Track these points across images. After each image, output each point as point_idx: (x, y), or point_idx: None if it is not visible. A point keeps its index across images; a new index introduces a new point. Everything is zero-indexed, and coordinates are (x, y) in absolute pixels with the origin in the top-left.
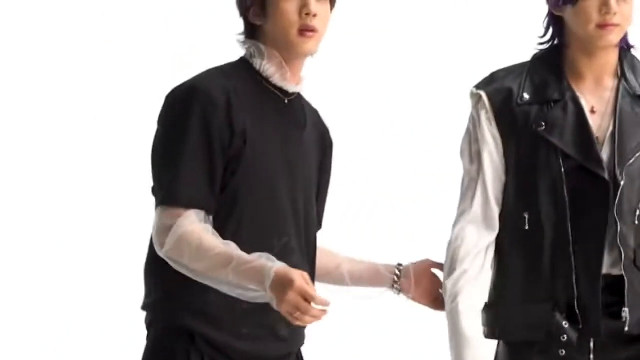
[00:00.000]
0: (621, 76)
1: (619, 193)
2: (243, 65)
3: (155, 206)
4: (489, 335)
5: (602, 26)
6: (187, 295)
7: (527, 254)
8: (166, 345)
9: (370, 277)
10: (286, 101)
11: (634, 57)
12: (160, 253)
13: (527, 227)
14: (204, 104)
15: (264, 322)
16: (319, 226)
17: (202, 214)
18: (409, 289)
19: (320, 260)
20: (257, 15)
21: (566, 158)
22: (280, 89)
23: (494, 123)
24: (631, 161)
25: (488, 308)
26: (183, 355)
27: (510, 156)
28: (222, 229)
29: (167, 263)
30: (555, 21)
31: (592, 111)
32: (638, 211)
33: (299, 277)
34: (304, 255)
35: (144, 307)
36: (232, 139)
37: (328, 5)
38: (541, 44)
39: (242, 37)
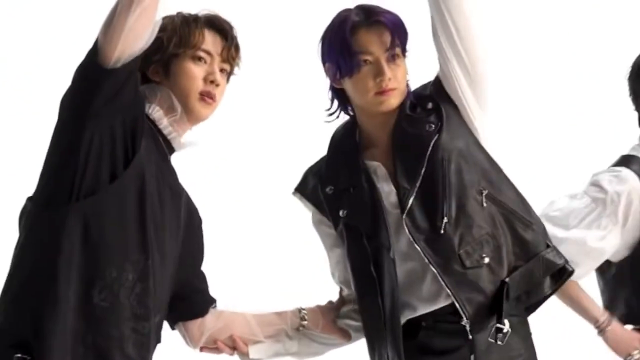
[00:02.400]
0: (404, 115)
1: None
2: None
3: None
4: None
5: (380, 93)
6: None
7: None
8: None
9: (276, 319)
10: (169, 157)
11: (409, 94)
12: None
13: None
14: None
15: None
16: (213, 301)
17: None
18: (316, 324)
19: (234, 322)
20: (157, 73)
21: (369, 238)
22: (165, 138)
23: (321, 217)
24: (408, 206)
25: None
26: None
27: (342, 241)
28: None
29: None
30: (338, 94)
31: (395, 174)
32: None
33: None
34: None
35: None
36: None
37: (226, 80)
38: (329, 115)
39: None
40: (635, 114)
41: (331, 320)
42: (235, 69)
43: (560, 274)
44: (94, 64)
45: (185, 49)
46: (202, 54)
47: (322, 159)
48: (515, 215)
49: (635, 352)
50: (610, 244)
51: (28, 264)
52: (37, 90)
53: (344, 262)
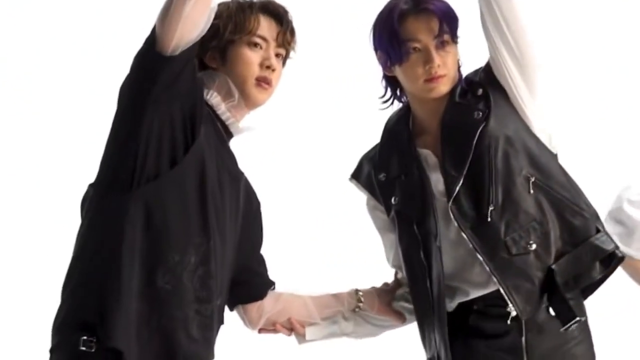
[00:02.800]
0: (454, 101)
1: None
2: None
3: None
4: None
5: (429, 80)
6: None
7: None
8: None
9: (333, 301)
10: (228, 142)
11: (461, 80)
12: None
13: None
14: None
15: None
16: (272, 284)
17: None
18: (372, 306)
19: (292, 304)
20: (214, 59)
21: (419, 225)
22: (223, 124)
23: (375, 203)
24: (454, 194)
25: None
26: None
27: (394, 227)
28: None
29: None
30: (390, 81)
31: (443, 161)
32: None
33: None
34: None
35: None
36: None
37: (282, 64)
38: (384, 102)
39: None
40: None
41: (386, 302)
42: (291, 53)
43: (610, 259)
44: (152, 52)
45: (241, 35)
46: (257, 39)
47: (376, 145)
48: (564, 202)
49: None
50: None
51: (91, 250)
52: (37, 90)
53: (396, 246)
